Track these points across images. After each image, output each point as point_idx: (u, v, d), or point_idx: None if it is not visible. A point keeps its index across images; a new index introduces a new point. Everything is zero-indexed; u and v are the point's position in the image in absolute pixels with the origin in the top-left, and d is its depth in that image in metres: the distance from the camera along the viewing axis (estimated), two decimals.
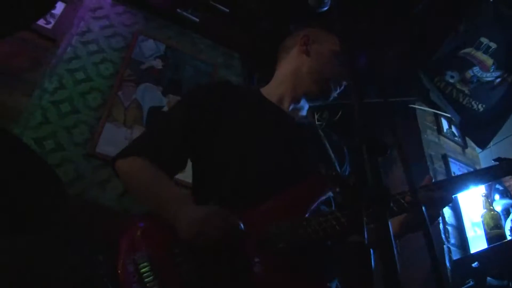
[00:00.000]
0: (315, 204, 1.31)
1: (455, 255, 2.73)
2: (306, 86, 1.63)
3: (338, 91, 1.65)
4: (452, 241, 2.81)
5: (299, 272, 1.21)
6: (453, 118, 3.26)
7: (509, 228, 2.65)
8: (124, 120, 3.00)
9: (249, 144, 1.43)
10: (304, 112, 1.68)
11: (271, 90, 1.65)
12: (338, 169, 1.48)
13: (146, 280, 1.09)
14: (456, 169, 3.20)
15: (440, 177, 2.97)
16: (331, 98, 1.66)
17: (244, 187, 1.32)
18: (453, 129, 3.58)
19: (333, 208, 1.39)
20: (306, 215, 1.27)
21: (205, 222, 1.15)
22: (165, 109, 3.21)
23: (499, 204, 2.98)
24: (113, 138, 2.88)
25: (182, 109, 1.51)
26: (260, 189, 1.32)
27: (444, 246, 2.74)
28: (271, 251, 1.18)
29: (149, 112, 3.13)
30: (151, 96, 3.20)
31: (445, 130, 3.52)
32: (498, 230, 2.67)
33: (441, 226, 2.80)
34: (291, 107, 1.61)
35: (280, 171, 1.38)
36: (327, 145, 1.56)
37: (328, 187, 1.36)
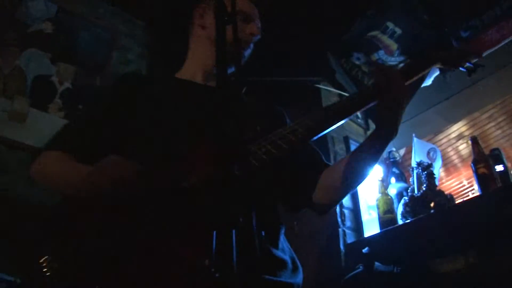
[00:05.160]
0: None
1: (350, 238, 2.77)
2: (213, 58, 1.55)
3: (249, 51, 1.65)
4: (348, 224, 2.85)
5: None
6: None
7: (401, 213, 2.73)
8: (3, 89, 2.67)
9: (162, 118, 1.43)
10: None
11: (184, 71, 1.69)
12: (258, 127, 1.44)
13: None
14: None
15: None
16: (244, 60, 1.66)
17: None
18: None
19: None
20: None
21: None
22: (54, 78, 2.89)
23: (394, 187, 3.07)
24: None
25: (95, 105, 1.57)
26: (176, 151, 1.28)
27: (339, 229, 2.77)
28: None
29: (34, 81, 2.81)
30: (37, 63, 2.86)
31: None
32: (391, 215, 2.75)
33: (337, 209, 2.82)
34: (204, 79, 1.63)
35: (194, 134, 1.33)
36: (244, 106, 1.57)
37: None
